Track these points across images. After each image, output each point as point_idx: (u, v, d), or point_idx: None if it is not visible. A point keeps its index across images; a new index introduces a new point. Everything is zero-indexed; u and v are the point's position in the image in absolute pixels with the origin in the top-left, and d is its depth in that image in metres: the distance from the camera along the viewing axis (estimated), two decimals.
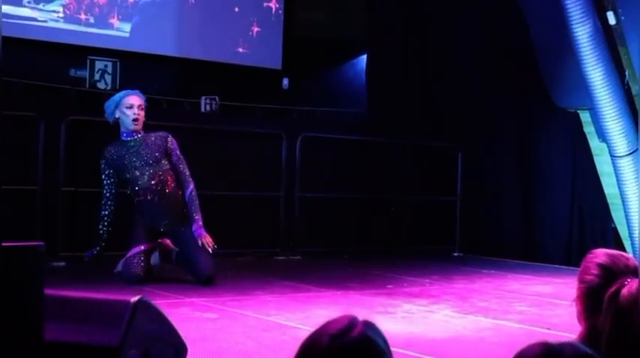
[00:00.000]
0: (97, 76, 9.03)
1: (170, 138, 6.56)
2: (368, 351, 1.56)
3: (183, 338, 2.75)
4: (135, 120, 6.46)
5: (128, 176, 6.48)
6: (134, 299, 2.51)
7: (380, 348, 1.58)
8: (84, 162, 7.82)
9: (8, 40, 8.50)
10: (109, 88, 8.99)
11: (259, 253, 8.54)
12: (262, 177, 8.89)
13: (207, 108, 9.10)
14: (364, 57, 10.48)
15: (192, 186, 6.52)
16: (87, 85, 8.90)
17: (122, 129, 6.55)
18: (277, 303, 5.76)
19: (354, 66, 10.79)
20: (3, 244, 2.15)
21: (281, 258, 8.65)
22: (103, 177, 6.56)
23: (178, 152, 6.57)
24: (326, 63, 10.65)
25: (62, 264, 7.20)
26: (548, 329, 5.13)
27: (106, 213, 6.55)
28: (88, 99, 8.45)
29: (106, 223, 6.53)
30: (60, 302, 2.56)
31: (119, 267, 6.44)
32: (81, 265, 6.93)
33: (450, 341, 4.84)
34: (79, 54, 9.02)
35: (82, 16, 9.06)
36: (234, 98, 8.90)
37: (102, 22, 9.20)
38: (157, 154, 6.49)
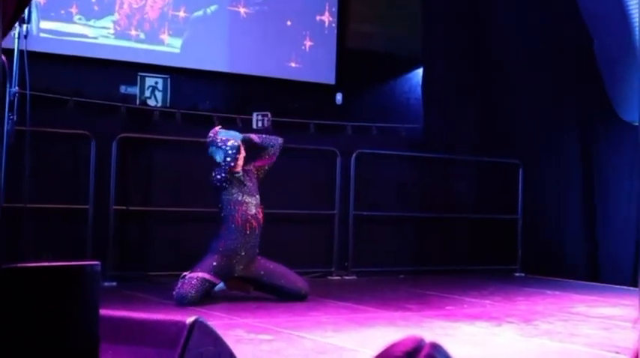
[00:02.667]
0: (147, 93, 9.00)
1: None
2: None
3: None
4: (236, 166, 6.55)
5: (240, 198, 6.43)
6: (190, 320, 2.53)
7: None
8: (135, 180, 7.82)
9: (59, 57, 8.57)
10: (159, 104, 8.92)
11: (313, 273, 8.38)
12: (316, 195, 8.78)
13: (260, 124, 9.01)
14: (420, 70, 10.33)
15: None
16: (137, 102, 8.85)
17: None
18: (333, 324, 5.64)
19: (410, 80, 10.65)
20: (60, 264, 2.18)
21: (335, 277, 8.55)
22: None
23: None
24: (380, 77, 10.54)
25: (113, 283, 7.16)
26: (617, 353, 4.92)
27: None
28: (138, 117, 8.41)
29: None
30: (115, 322, 2.62)
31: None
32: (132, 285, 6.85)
33: None
34: (130, 70, 9.01)
35: (133, 32, 9.00)
36: (287, 114, 8.80)
37: (152, 37, 9.14)
38: (256, 181, 6.60)
